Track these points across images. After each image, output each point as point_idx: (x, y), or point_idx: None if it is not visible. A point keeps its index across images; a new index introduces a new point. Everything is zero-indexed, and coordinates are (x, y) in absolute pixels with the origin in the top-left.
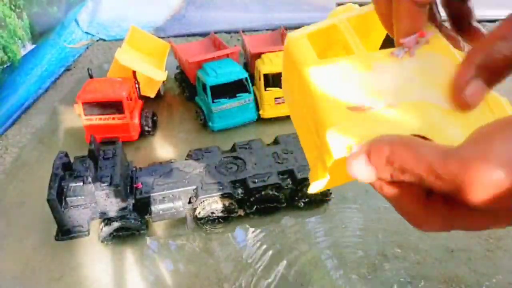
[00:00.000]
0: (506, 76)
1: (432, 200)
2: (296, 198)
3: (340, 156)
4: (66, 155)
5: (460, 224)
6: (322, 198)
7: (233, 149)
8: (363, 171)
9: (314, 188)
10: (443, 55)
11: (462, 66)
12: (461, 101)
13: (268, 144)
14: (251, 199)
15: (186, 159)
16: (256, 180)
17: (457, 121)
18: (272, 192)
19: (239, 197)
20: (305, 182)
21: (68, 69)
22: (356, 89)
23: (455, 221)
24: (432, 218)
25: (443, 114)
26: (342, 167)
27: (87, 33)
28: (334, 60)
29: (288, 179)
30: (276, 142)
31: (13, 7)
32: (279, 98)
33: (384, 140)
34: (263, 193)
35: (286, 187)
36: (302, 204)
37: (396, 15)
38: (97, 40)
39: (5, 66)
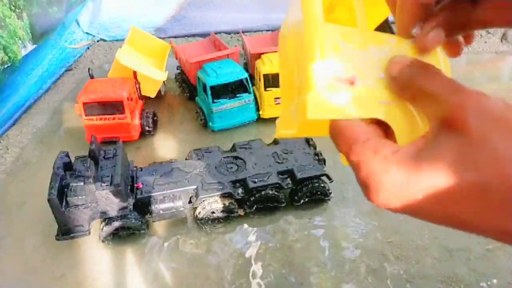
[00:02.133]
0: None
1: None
2: (296, 197)
3: (312, 118)
4: (67, 155)
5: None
6: (322, 198)
7: (233, 149)
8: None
9: (280, 134)
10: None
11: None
12: (421, 44)
13: (268, 144)
14: (251, 199)
15: (186, 159)
16: (256, 180)
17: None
18: (272, 191)
19: (239, 197)
20: (305, 181)
21: (68, 70)
22: (347, 62)
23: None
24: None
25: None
26: (308, 125)
27: (87, 33)
28: (338, 28)
29: (288, 179)
30: (276, 142)
31: (13, 8)
32: (279, 98)
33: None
34: (263, 192)
35: (286, 187)
36: (302, 203)
37: (401, 8)
38: (98, 41)
39: (5, 66)
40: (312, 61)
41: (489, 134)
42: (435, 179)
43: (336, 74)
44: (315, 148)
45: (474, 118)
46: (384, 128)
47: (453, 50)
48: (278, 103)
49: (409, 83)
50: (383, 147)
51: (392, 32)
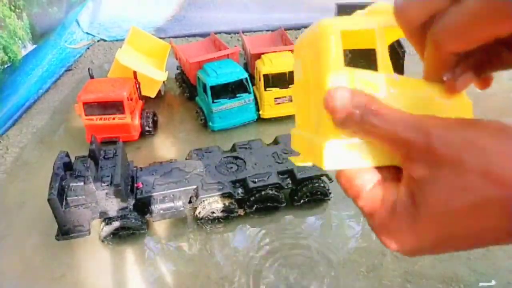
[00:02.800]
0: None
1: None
2: (296, 197)
3: (329, 168)
4: (67, 155)
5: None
6: (322, 198)
7: (233, 149)
8: (341, 105)
9: (301, 164)
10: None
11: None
12: (451, 88)
13: (268, 144)
14: (251, 199)
15: (186, 159)
16: (256, 180)
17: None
18: (272, 191)
19: (239, 197)
20: (305, 181)
21: (68, 70)
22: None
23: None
24: (399, 226)
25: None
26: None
27: (87, 33)
28: (358, 72)
29: (288, 179)
30: (276, 142)
31: (12, 8)
32: (279, 98)
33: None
34: (263, 192)
35: (286, 187)
36: (302, 203)
37: (431, 55)
38: (98, 41)
39: (5, 66)
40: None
41: (461, 155)
42: (436, 221)
43: None
44: None
45: (441, 148)
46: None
47: (483, 84)
48: (278, 103)
49: (358, 127)
50: (386, 196)
51: (401, 48)
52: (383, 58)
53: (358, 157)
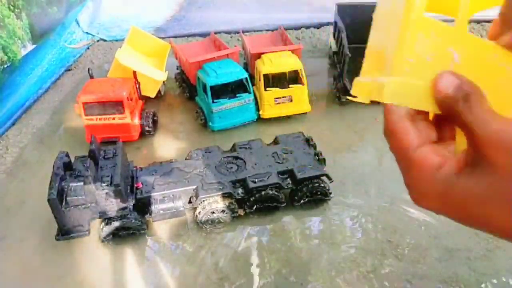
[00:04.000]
0: None
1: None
2: (296, 197)
3: (387, 101)
4: (67, 155)
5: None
6: (322, 198)
7: (233, 149)
8: (445, 88)
9: (359, 100)
10: None
11: None
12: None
13: (268, 144)
14: (251, 199)
15: (186, 159)
16: (256, 180)
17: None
18: (272, 191)
19: (239, 197)
20: (305, 181)
21: (68, 69)
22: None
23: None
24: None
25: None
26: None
27: (87, 33)
28: (434, 24)
29: (288, 179)
30: (276, 142)
31: (11, 8)
32: (279, 98)
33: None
34: (263, 192)
35: (286, 187)
36: (302, 203)
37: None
38: (98, 41)
39: (5, 66)
40: (400, 51)
41: None
42: (465, 204)
43: (416, 67)
44: (315, 148)
45: (502, 157)
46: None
47: None
48: (278, 103)
49: (450, 110)
50: (430, 159)
51: None
52: (462, 18)
53: (418, 98)
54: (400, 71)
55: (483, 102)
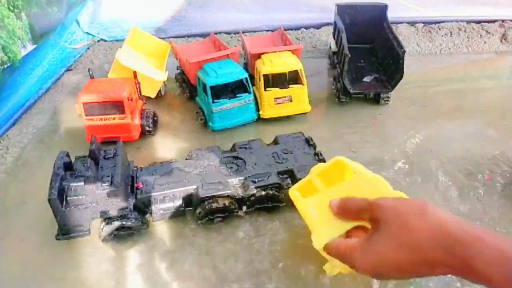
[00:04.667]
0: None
1: (351, 242)
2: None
3: (319, 247)
4: (67, 155)
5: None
6: None
7: (233, 149)
8: (333, 206)
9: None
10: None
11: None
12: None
13: (268, 144)
14: (251, 199)
15: (186, 159)
16: (256, 180)
17: None
18: (272, 191)
19: (240, 197)
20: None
21: (69, 70)
22: (322, 207)
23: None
24: (355, 253)
25: None
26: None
27: (88, 33)
28: (310, 198)
29: (288, 179)
30: (275, 142)
31: (11, 8)
32: (279, 98)
33: (345, 198)
34: (263, 192)
35: (286, 187)
36: None
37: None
38: (98, 41)
39: (5, 66)
40: (308, 220)
41: (390, 225)
42: (378, 253)
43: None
44: (315, 148)
45: (382, 219)
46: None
47: None
48: (278, 103)
49: (346, 212)
50: (348, 241)
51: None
52: (321, 187)
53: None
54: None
55: (355, 198)
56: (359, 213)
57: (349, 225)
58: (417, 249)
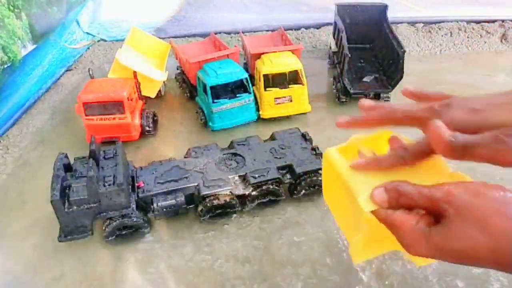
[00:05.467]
0: None
1: (418, 227)
2: (295, 191)
3: (369, 209)
4: (66, 156)
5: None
6: (321, 191)
7: (231, 146)
8: (381, 196)
9: (358, 259)
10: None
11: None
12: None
13: (265, 140)
14: (252, 194)
15: (185, 157)
16: (257, 176)
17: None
18: (272, 186)
19: (240, 193)
20: (304, 175)
21: (69, 70)
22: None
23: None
24: (418, 241)
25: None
26: (376, 238)
27: (88, 33)
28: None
29: (288, 174)
30: (272, 138)
31: (11, 8)
32: (279, 98)
33: (396, 183)
34: (264, 187)
35: (285, 182)
36: (301, 196)
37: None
38: (98, 41)
39: (5, 66)
40: (354, 188)
41: (468, 213)
42: (451, 248)
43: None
44: (311, 143)
45: (458, 206)
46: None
47: None
48: (278, 103)
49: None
50: (408, 217)
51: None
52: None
53: (377, 248)
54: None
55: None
56: (417, 204)
57: None
58: (497, 252)
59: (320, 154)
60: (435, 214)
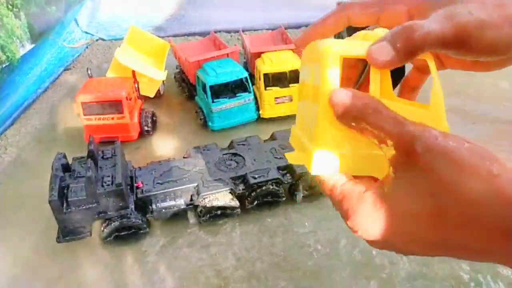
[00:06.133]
0: None
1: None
2: (296, 192)
3: (314, 173)
4: (64, 156)
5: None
6: (322, 191)
7: (231, 146)
8: (344, 99)
9: (294, 163)
10: None
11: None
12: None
13: (265, 140)
14: (252, 194)
15: (184, 157)
16: (257, 176)
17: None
18: (272, 186)
19: (240, 193)
20: (304, 176)
21: (67, 69)
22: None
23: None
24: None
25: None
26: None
27: (86, 32)
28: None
29: (288, 174)
30: (273, 138)
31: (10, 7)
32: (279, 97)
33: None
34: (264, 188)
35: (286, 182)
36: (302, 197)
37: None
38: (97, 40)
39: (3, 65)
40: (321, 126)
41: (435, 163)
42: (398, 211)
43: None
44: None
45: (421, 152)
46: None
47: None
48: (279, 103)
49: (357, 119)
50: (355, 187)
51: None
52: (374, 82)
53: (342, 167)
54: (323, 142)
55: (385, 108)
56: (381, 134)
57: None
58: (473, 223)
59: None
60: (401, 162)
